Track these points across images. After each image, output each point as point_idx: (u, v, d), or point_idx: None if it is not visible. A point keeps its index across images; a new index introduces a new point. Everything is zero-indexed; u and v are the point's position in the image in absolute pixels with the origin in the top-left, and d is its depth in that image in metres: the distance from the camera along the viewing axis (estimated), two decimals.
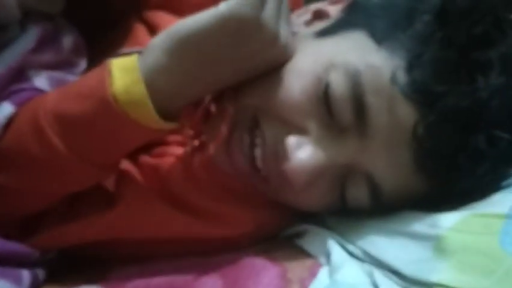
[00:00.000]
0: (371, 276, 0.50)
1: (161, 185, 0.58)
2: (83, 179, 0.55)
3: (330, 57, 0.52)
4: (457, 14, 0.50)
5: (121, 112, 0.49)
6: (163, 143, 0.62)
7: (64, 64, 0.60)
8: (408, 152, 0.50)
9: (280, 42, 0.51)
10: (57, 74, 0.59)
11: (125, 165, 0.59)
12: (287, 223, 0.61)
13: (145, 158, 0.60)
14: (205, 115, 0.59)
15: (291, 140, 0.52)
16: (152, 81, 0.49)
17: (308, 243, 0.58)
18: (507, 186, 0.52)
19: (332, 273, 0.51)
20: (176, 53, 0.49)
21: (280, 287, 0.51)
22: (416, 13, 0.51)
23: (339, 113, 0.50)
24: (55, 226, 0.57)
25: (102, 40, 0.66)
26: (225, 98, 0.56)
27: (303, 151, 0.51)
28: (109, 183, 0.59)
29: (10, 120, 0.53)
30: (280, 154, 0.52)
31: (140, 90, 0.48)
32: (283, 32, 0.51)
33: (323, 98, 0.51)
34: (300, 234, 0.60)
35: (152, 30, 0.67)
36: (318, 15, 0.60)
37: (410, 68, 0.49)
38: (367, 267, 0.52)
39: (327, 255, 0.54)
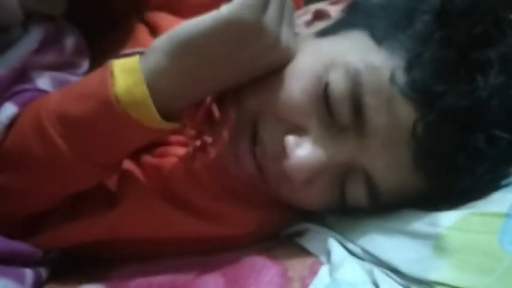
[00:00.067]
0: (371, 274, 0.51)
1: (163, 184, 0.58)
2: (86, 179, 0.55)
3: (330, 56, 0.52)
4: (456, 14, 0.50)
5: (123, 113, 0.49)
6: (165, 143, 0.62)
7: (66, 65, 0.60)
8: (407, 152, 0.50)
9: (281, 45, 0.51)
10: (60, 75, 0.59)
11: (128, 165, 0.59)
12: (288, 222, 0.62)
13: (147, 158, 0.60)
14: (207, 115, 0.59)
15: (291, 139, 0.52)
16: (153, 82, 0.49)
17: (309, 241, 0.58)
18: (507, 186, 0.52)
19: (332, 271, 0.51)
20: (177, 56, 0.49)
21: (281, 285, 0.51)
22: (416, 13, 0.51)
23: (338, 112, 0.51)
24: (57, 226, 0.57)
25: (103, 41, 0.66)
26: (226, 101, 0.56)
27: (302, 149, 0.52)
28: (111, 183, 0.59)
29: (13, 121, 0.53)
30: (280, 154, 0.52)
31: (142, 91, 0.48)
32: (285, 35, 0.51)
33: (323, 97, 0.51)
34: (300, 233, 0.60)
35: (154, 31, 0.67)
36: (319, 15, 0.60)
37: (410, 67, 0.49)
38: (367, 265, 0.52)
39: (328, 254, 0.54)
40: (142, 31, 0.68)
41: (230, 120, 0.54)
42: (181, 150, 0.60)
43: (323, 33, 0.56)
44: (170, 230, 0.58)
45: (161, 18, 0.68)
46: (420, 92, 0.49)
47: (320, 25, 0.58)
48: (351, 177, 0.53)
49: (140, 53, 0.51)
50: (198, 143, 0.58)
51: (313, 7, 0.61)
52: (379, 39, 0.51)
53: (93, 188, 0.57)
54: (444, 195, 0.52)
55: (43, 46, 0.57)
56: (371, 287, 0.48)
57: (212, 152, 0.54)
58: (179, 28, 0.49)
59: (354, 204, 0.54)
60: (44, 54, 0.58)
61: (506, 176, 0.53)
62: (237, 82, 0.53)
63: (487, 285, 0.45)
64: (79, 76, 0.61)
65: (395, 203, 0.53)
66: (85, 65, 0.63)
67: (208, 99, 0.58)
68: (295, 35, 0.55)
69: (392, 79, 0.49)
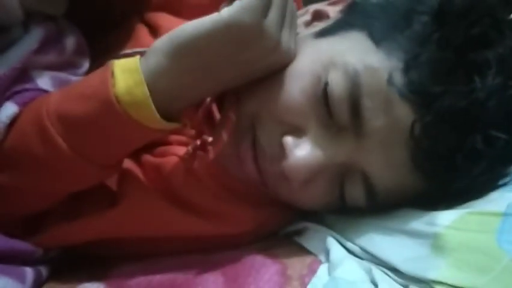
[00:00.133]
0: (369, 273, 0.51)
1: (163, 184, 0.58)
2: (86, 178, 0.55)
3: (329, 56, 0.52)
4: (454, 15, 0.50)
5: (123, 113, 0.49)
6: (166, 142, 0.62)
7: (67, 65, 0.60)
8: (405, 152, 0.50)
9: (282, 48, 0.51)
10: (60, 75, 0.59)
11: (128, 164, 0.60)
12: (287, 221, 0.62)
13: (148, 158, 0.61)
14: (207, 115, 0.59)
15: (289, 140, 0.52)
16: (154, 83, 0.49)
17: (308, 240, 0.58)
18: (504, 185, 0.52)
19: (331, 270, 0.52)
20: (176, 57, 0.49)
21: (281, 283, 0.51)
22: (414, 14, 0.52)
23: (337, 112, 0.51)
24: (58, 225, 0.58)
25: (103, 41, 0.66)
26: (226, 102, 0.56)
27: (301, 149, 0.52)
28: (112, 182, 0.59)
29: (13, 120, 0.53)
30: (278, 155, 0.53)
31: (142, 91, 0.48)
32: (285, 38, 0.51)
33: (322, 97, 0.51)
34: (299, 232, 0.60)
35: (154, 31, 0.67)
36: (318, 16, 0.60)
37: (407, 69, 0.49)
38: (366, 264, 0.52)
39: (327, 253, 0.54)
40: (142, 31, 0.68)
41: (230, 122, 0.54)
42: (181, 150, 0.60)
43: (322, 33, 0.56)
44: (170, 228, 0.58)
45: (161, 18, 0.68)
46: (418, 93, 0.49)
47: (319, 25, 0.58)
48: (349, 178, 0.53)
49: (141, 53, 0.51)
50: (198, 142, 0.58)
51: (313, 8, 0.61)
52: (377, 40, 0.52)
53: (93, 187, 0.57)
54: (442, 194, 0.52)
55: (44, 46, 0.57)
56: (370, 286, 0.49)
57: (212, 153, 0.54)
58: (180, 30, 0.49)
59: (352, 204, 0.54)
60: (45, 54, 0.58)
61: (503, 176, 0.53)
62: (237, 83, 0.53)
63: (485, 284, 0.45)
64: (80, 76, 0.61)
65: (394, 202, 0.53)
66: (86, 65, 0.63)
67: (208, 99, 0.59)
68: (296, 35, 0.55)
69: (390, 80, 0.49)
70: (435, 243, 0.49)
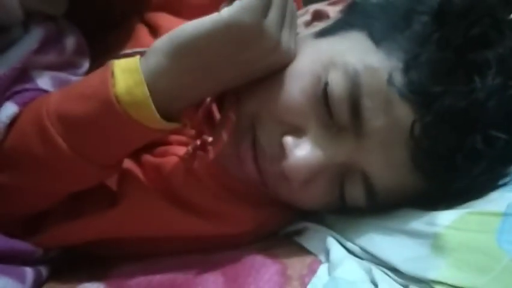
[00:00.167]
0: (369, 273, 0.51)
1: (164, 184, 0.58)
2: (86, 178, 0.55)
3: (329, 56, 0.52)
4: (454, 15, 0.50)
5: (123, 113, 0.49)
6: (166, 142, 0.62)
7: (67, 65, 0.60)
8: (405, 152, 0.50)
9: (282, 48, 0.51)
10: (60, 75, 0.59)
11: (128, 164, 0.60)
12: (287, 221, 0.62)
13: (148, 158, 0.61)
14: (207, 115, 0.59)
15: (289, 140, 0.52)
16: (153, 83, 0.49)
17: (308, 240, 0.58)
18: (504, 185, 0.52)
19: (331, 270, 0.52)
20: (176, 57, 0.49)
21: (281, 283, 0.51)
22: (413, 14, 0.52)
23: (337, 112, 0.51)
24: (58, 225, 0.58)
25: (103, 41, 0.66)
26: (226, 102, 0.56)
27: (301, 149, 0.52)
28: (112, 182, 0.59)
29: (13, 120, 0.53)
30: (278, 156, 0.53)
31: (142, 91, 0.48)
32: (286, 38, 0.51)
33: (322, 97, 0.51)
34: (299, 232, 0.60)
35: (154, 31, 0.67)
36: (318, 16, 0.60)
37: (407, 69, 0.49)
38: (366, 264, 0.52)
39: (327, 253, 0.55)
40: (142, 31, 0.68)
41: (230, 122, 0.54)
42: (181, 150, 0.60)
43: (322, 33, 0.56)
44: (170, 228, 0.58)
45: (161, 18, 0.68)
46: (417, 93, 0.49)
47: (319, 25, 0.58)
48: (349, 178, 0.53)
49: (141, 53, 0.51)
50: (198, 142, 0.58)
51: (313, 8, 0.61)
52: (377, 40, 0.52)
53: (93, 187, 0.57)
54: (442, 194, 0.52)
55: (44, 46, 0.57)
56: (370, 286, 0.49)
57: (212, 153, 0.54)
58: (180, 30, 0.49)
59: (352, 204, 0.54)
60: (45, 54, 0.58)
61: (503, 176, 0.53)
62: (237, 83, 0.53)
63: (485, 284, 0.45)
64: (80, 76, 0.61)
65: (394, 202, 0.53)
66: (86, 65, 0.63)
67: (208, 99, 0.59)
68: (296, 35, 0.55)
69: (390, 80, 0.49)
70: (435, 243, 0.49)
